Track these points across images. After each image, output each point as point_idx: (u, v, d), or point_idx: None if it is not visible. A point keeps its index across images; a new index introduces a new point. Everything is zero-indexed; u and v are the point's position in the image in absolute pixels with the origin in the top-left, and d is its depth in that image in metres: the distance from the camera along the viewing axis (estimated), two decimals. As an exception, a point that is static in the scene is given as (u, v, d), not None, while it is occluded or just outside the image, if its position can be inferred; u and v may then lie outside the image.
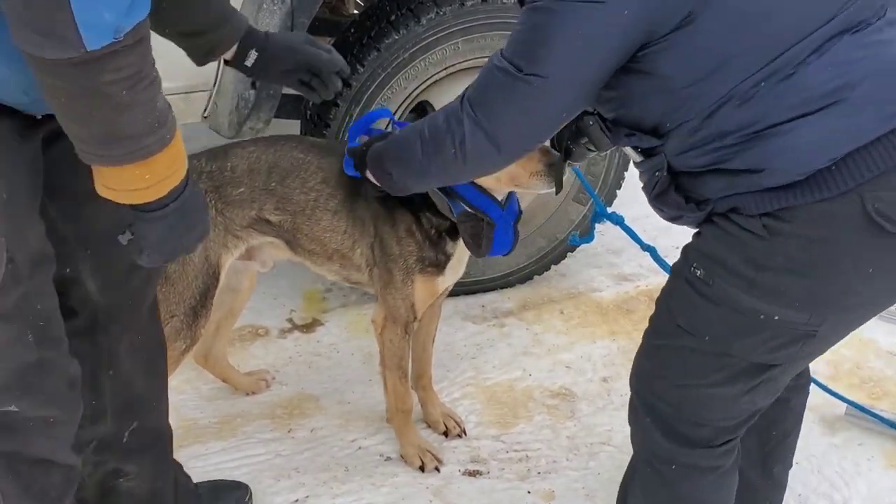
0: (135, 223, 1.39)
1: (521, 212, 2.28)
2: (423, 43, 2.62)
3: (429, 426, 2.57)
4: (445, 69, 2.71)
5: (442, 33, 2.64)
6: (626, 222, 2.46)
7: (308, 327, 3.02)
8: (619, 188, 3.17)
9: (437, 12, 2.63)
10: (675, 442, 1.76)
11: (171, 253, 1.45)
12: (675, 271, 1.74)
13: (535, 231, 3.13)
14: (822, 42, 1.50)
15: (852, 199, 1.49)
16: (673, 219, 1.75)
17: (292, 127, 2.98)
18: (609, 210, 2.95)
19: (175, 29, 1.79)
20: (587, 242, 2.97)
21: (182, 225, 1.42)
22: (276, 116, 2.93)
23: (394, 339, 2.32)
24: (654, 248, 2.70)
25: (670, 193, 1.66)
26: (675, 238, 3.54)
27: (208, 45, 1.85)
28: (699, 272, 1.62)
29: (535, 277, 3.26)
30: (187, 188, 1.39)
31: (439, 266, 2.26)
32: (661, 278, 2.60)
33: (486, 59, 2.70)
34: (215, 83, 2.57)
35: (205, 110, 2.66)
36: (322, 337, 2.96)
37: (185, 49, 1.86)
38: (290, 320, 3.05)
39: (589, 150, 1.89)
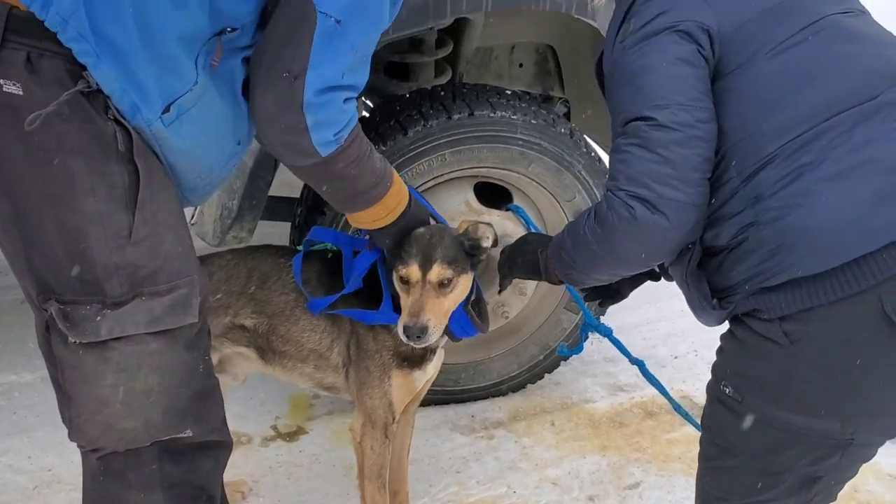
0: (373, 235, 2.03)
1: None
2: (410, 154, 2.63)
3: (404, 545, 2.50)
4: (433, 179, 2.71)
5: (429, 145, 2.65)
6: (624, 330, 2.43)
7: (292, 436, 2.97)
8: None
9: (425, 125, 2.64)
10: None
11: (388, 246, 2.06)
12: (709, 391, 1.75)
13: (527, 339, 3.09)
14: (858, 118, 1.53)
15: (870, 300, 1.48)
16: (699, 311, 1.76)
17: (284, 228, 2.98)
18: (603, 317, 2.93)
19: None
20: (576, 354, 2.93)
21: (398, 234, 2.02)
22: (272, 219, 2.97)
23: (374, 445, 2.28)
24: (642, 361, 2.66)
25: (703, 280, 1.68)
26: (673, 347, 3.50)
27: None
28: (728, 390, 1.65)
29: (529, 386, 3.19)
30: (409, 210, 1.98)
31: (417, 360, 2.25)
32: (657, 390, 2.57)
33: (472, 169, 2.75)
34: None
35: (191, 218, 2.69)
36: (305, 446, 2.91)
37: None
38: (274, 427, 3.00)
39: None
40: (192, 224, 2.68)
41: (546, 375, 3.20)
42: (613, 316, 3.43)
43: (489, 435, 2.98)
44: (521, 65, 3.45)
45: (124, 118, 1.53)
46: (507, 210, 2.85)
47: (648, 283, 2.18)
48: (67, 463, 2.71)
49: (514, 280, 2.18)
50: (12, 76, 1.47)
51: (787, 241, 1.53)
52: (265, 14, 1.65)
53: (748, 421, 1.62)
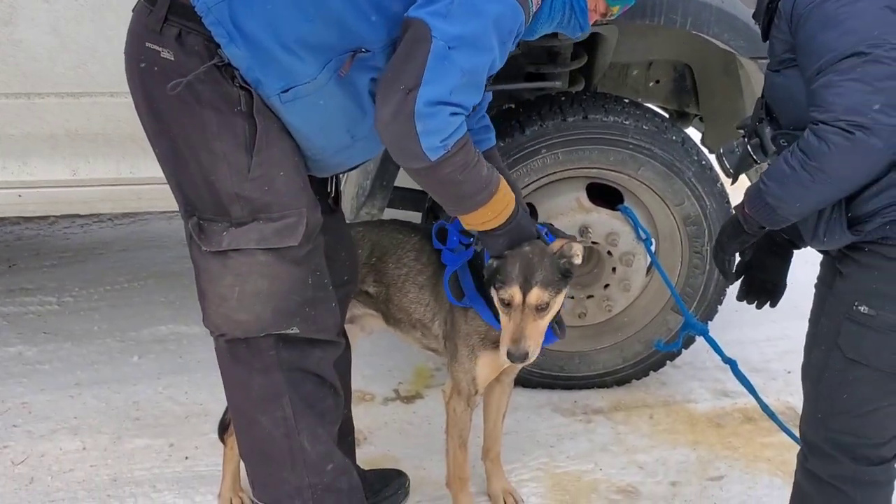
0: (482, 238, 2.20)
1: None
2: (526, 151, 2.90)
3: (489, 499, 2.75)
4: (546, 176, 2.98)
5: (544, 143, 2.92)
6: (743, 344, 2.59)
7: (409, 399, 3.30)
8: (720, 304, 3.26)
9: (541, 125, 2.92)
10: (859, 463, 2.06)
11: (500, 252, 2.21)
12: (834, 316, 2.04)
13: (633, 335, 3.27)
14: None
15: None
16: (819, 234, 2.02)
17: (415, 217, 3.32)
18: (728, 330, 3.05)
19: None
20: (671, 350, 3.11)
21: (508, 240, 2.19)
22: (403, 208, 3.33)
23: (457, 409, 2.55)
24: (734, 361, 2.79)
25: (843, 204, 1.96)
26: (788, 363, 3.56)
27: None
28: (863, 308, 1.96)
29: (634, 381, 3.37)
30: (516, 218, 2.15)
31: None
32: (746, 389, 2.70)
33: (584, 169, 2.99)
34: (345, 174, 2.99)
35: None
36: (419, 409, 3.23)
37: None
38: (395, 390, 3.35)
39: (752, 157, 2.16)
40: (335, 202, 3.08)
41: (652, 373, 3.37)
42: (735, 331, 3.59)
43: (587, 419, 3.19)
44: (657, 81, 3.66)
45: (248, 85, 1.93)
46: (617, 210, 3.06)
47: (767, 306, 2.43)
48: (216, 401, 3.14)
49: (731, 258, 2.31)
50: (168, 46, 1.92)
51: None
52: (396, 42, 1.96)
53: (882, 332, 1.94)
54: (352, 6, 1.93)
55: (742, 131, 2.22)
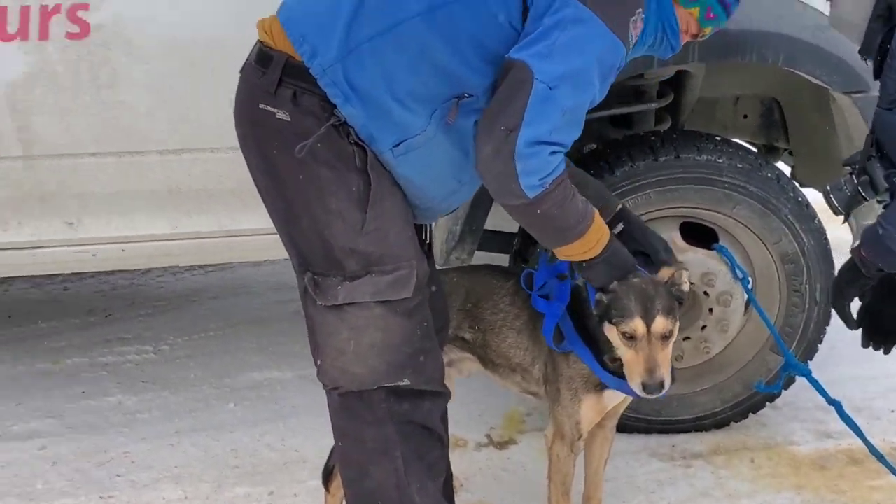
0: (582, 269, 2.18)
1: None
2: (617, 192, 2.88)
3: (591, 548, 2.71)
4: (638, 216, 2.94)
5: (635, 184, 2.90)
6: (844, 382, 2.54)
7: (503, 445, 3.28)
8: (820, 342, 3.17)
9: (632, 165, 2.90)
10: None
11: (605, 283, 2.20)
12: None
13: (731, 377, 3.20)
14: None
15: None
16: None
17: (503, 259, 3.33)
18: (831, 368, 2.98)
19: None
20: (772, 391, 3.04)
21: (611, 269, 2.18)
22: (489, 250, 3.33)
23: (560, 454, 2.53)
24: (839, 402, 2.72)
25: None
26: (892, 402, 3.45)
27: None
28: None
29: (732, 424, 3.29)
30: (610, 248, 2.14)
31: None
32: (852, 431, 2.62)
33: (677, 209, 2.95)
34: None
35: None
36: (513, 455, 3.21)
37: None
38: (488, 435, 3.33)
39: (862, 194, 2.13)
40: (428, 247, 3.10)
41: (751, 415, 3.29)
42: (834, 369, 3.49)
43: (686, 464, 3.13)
44: (745, 116, 3.62)
45: (362, 142, 1.98)
46: (712, 249, 3.02)
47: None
48: (312, 447, 3.18)
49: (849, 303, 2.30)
50: (283, 107, 1.98)
51: None
52: (498, 83, 1.99)
53: None
54: (457, 55, 1.97)
55: (849, 168, 2.17)
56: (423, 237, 2.37)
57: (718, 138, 3.05)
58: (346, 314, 2.05)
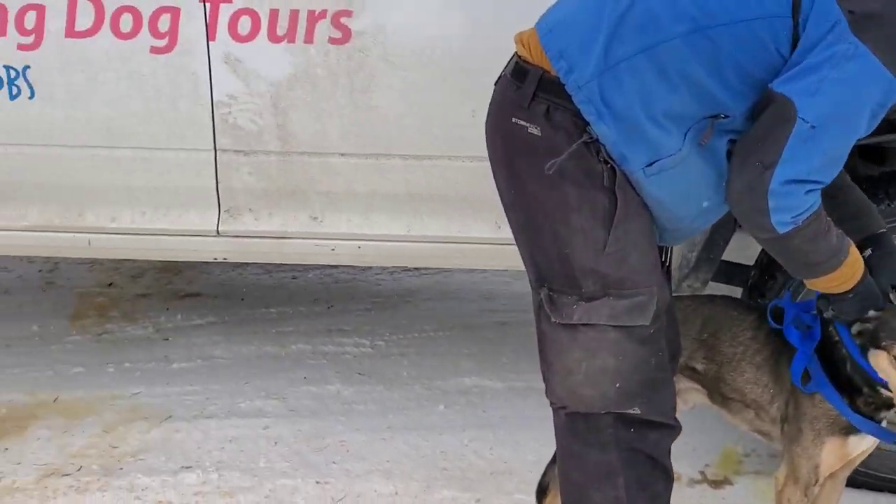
0: (834, 301, 2.14)
1: None
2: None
3: None
4: (893, 259, 2.75)
5: (893, 224, 2.70)
6: None
7: (717, 483, 3.15)
8: None
9: (889, 205, 2.72)
10: None
11: (852, 316, 2.17)
12: None
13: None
14: None
15: None
16: None
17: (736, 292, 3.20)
18: None
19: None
20: None
21: (859, 304, 2.13)
22: (724, 282, 3.21)
23: (792, 498, 2.41)
24: None
25: None
26: None
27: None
28: None
29: (981, 491, 3.02)
30: (861, 285, 2.09)
31: (855, 428, 2.32)
32: None
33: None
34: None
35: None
36: (728, 496, 3.07)
37: None
38: (702, 472, 3.20)
39: None
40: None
41: None
42: None
43: (922, 530, 2.90)
44: None
45: (613, 161, 1.95)
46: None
47: None
48: (519, 460, 3.18)
49: None
50: (535, 122, 1.98)
51: None
52: (756, 108, 1.93)
53: None
54: (717, 77, 1.91)
55: None
56: (664, 259, 2.32)
57: None
58: (579, 334, 2.03)
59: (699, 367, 2.52)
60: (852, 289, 2.09)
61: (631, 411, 2.06)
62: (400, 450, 3.32)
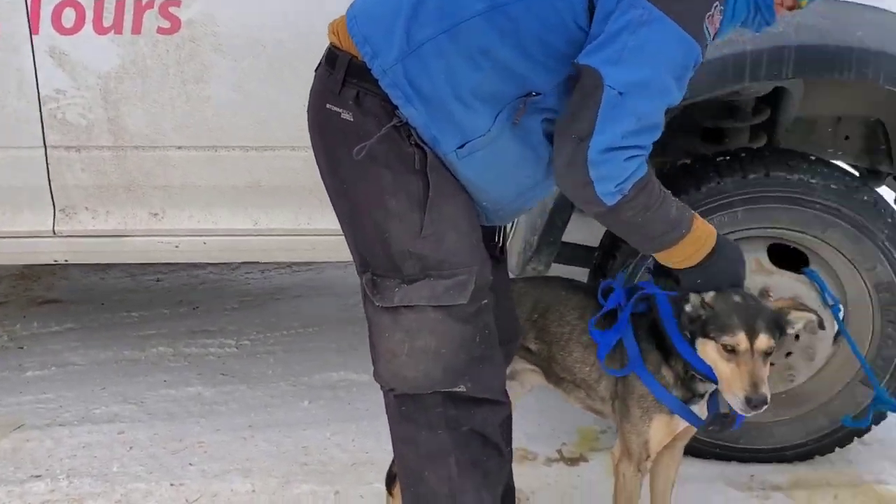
0: (684, 274, 2.15)
1: None
2: (702, 209, 2.77)
3: (655, 574, 2.62)
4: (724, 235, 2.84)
5: (721, 202, 2.80)
6: None
7: (573, 461, 3.20)
8: (913, 376, 3.00)
9: (719, 182, 2.80)
10: None
11: (708, 290, 2.18)
12: None
13: (816, 409, 3.06)
14: None
15: None
16: None
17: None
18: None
19: None
20: (859, 426, 2.89)
21: (712, 277, 2.15)
22: (570, 264, 3.27)
23: (626, 473, 2.46)
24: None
25: None
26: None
27: None
28: None
29: (817, 458, 3.14)
30: (714, 257, 2.11)
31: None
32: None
33: (765, 229, 2.84)
34: (513, 227, 2.97)
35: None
36: (583, 472, 3.13)
37: None
38: (559, 451, 3.26)
39: None
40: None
41: (837, 450, 3.13)
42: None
43: (764, 495, 2.99)
44: (846, 137, 3.46)
45: (425, 143, 1.95)
46: (802, 273, 2.89)
47: None
48: (382, 450, 3.16)
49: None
50: (347, 107, 1.98)
51: None
52: (568, 84, 1.95)
53: None
54: (522, 53, 1.92)
55: None
56: (497, 239, 2.34)
57: (813, 158, 2.91)
58: (400, 316, 2.03)
59: (532, 347, 2.55)
60: (700, 263, 2.12)
61: (457, 389, 2.07)
62: (260, 448, 3.27)
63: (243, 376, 3.77)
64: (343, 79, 1.97)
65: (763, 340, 2.12)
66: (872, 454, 3.21)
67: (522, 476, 3.07)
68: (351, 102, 1.96)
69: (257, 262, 4.88)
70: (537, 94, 1.95)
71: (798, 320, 2.20)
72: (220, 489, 3.04)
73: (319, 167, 2.11)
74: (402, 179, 1.96)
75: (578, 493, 3.03)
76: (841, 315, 2.89)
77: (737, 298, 2.16)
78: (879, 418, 2.94)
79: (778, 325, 2.17)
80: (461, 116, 1.94)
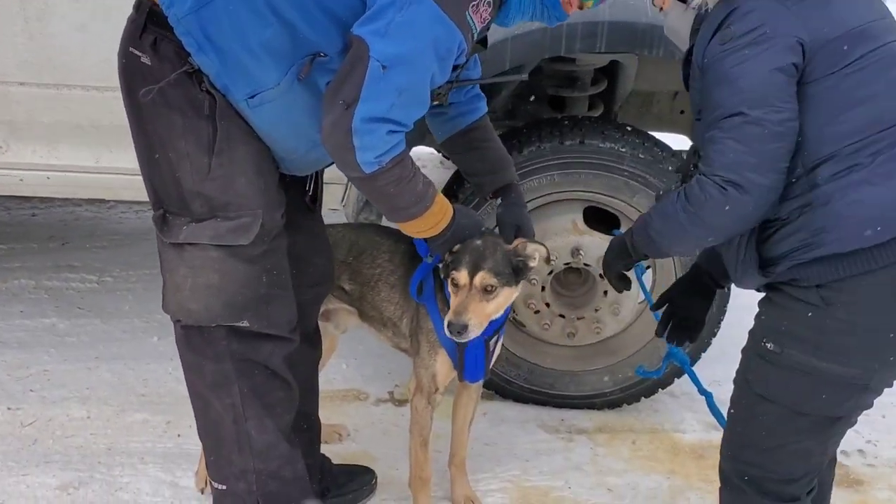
0: (429, 241, 2.32)
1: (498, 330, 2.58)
2: (523, 170, 2.97)
3: (451, 504, 2.85)
4: (542, 196, 3.05)
5: (540, 164, 3.00)
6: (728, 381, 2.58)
7: (402, 402, 3.40)
8: (714, 337, 3.26)
9: (538, 146, 2.99)
10: (767, 498, 2.10)
11: (444, 251, 2.38)
12: (746, 351, 2.12)
13: (623, 360, 3.30)
14: None
15: (891, 273, 1.86)
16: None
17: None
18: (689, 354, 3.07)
19: (464, 171, 2.66)
20: (651, 376, 3.12)
21: (448, 244, 2.34)
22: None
23: (418, 406, 2.66)
24: (710, 393, 2.79)
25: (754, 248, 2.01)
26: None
27: (480, 186, 2.61)
28: (770, 345, 2.00)
29: (625, 406, 3.40)
30: (452, 227, 2.29)
31: (465, 343, 2.53)
32: (717, 422, 2.70)
33: (580, 193, 3.05)
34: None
35: (342, 200, 3.23)
36: (408, 412, 3.31)
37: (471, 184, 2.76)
38: (390, 393, 3.46)
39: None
40: (343, 206, 3.22)
41: (645, 400, 3.39)
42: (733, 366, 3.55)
43: (568, 437, 3.24)
44: (682, 112, 3.68)
45: (216, 90, 2.08)
46: (612, 235, 3.10)
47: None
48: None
49: (618, 273, 2.36)
50: (146, 52, 2.10)
51: (830, 223, 1.87)
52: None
53: (786, 369, 1.96)
54: (304, 13, 2.05)
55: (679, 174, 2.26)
56: (308, 188, 2.48)
57: (629, 128, 3.12)
58: (185, 253, 2.17)
59: (346, 287, 2.73)
60: (438, 235, 2.29)
61: (240, 324, 2.22)
62: (102, 378, 3.41)
63: (99, 311, 3.89)
64: (144, 24, 2.09)
65: (481, 277, 2.33)
66: (677, 405, 3.47)
67: (350, 414, 3.30)
68: (149, 47, 2.09)
69: (135, 202, 4.94)
70: (324, 55, 2.08)
71: (532, 252, 2.41)
72: (57, 414, 3.17)
73: (125, 108, 2.22)
74: (192, 124, 2.10)
75: (399, 430, 3.20)
76: (645, 275, 3.12)
77: (476, 242, 2.37)
78: (678, 373, 3.18)
79: (514, 267, 2.38)
80: (253, 68, 2.07)
